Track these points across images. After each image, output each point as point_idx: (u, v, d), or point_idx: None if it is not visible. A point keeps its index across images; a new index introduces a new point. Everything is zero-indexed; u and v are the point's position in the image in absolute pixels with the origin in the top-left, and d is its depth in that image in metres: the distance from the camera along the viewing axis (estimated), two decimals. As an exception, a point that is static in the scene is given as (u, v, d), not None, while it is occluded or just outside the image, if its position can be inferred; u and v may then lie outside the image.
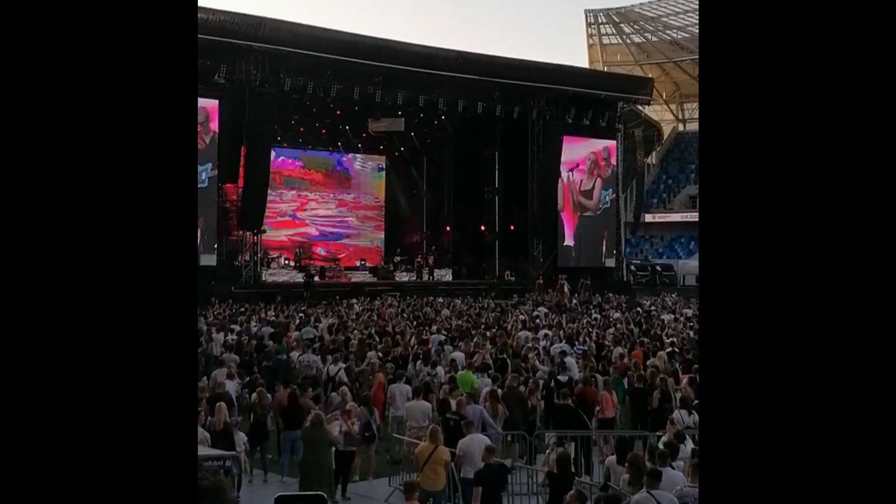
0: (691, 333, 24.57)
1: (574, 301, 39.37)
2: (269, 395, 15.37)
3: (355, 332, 23.59)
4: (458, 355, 19.22)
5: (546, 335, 23.43)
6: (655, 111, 76.49)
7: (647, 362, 18.23)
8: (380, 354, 19.50)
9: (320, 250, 53.00)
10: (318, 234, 54.08)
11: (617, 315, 31.66)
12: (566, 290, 43.12)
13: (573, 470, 11.84)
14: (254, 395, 15.26)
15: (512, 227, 51.38)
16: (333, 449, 12.93)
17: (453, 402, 14.17)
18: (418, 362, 18.68)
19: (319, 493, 3.65)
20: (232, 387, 15.87)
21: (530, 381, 16.55)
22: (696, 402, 15.04)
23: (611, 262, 52.27)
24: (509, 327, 25.59)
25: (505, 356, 19.62)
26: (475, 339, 22.02)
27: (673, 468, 10.09)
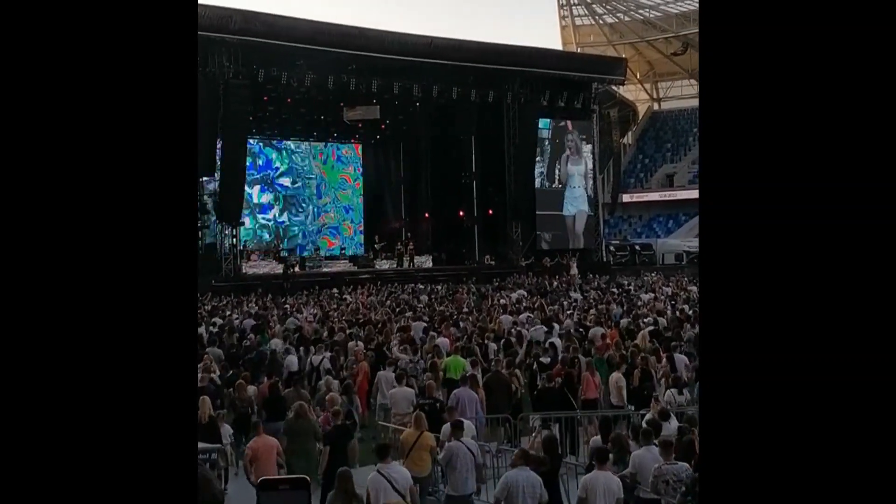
0: (670, 312, 24.72)
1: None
2: (250, 387, 15.38)
3: (337, 322, 23.60)
4: (443, 341, 19.30)
5: (529, 318, 23.56)
6: (630, 91, 76.59)
7: (630, 343, 18.35)
8: (362, 343, 19.55)
9: (298, 241, 52.92)
10: (296, 224, 54.01)
11: (595, 295, 31.87)
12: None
13: (560, 452, 11.95)
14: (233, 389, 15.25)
15: (490, 212, 51.48)
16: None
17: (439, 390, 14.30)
18: (402, 348, 18.75)
19: (303, 476, 3.70)
20: (216, 380, 15.88)
21: (513, 364, 16.65)
22: (673, 376, 15.22)
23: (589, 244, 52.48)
24: (493, 312, 25.67)
25: (488, 340, 19.68)
26: (460, 325, 22.12)
27: (656, 446, 10.19)
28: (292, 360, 18.22)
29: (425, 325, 22.59)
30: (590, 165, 52.25)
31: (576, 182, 51.37)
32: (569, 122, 51.24)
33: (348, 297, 33.00)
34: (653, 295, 30.98)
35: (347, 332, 20.87)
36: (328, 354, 17.73)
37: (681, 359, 16.65)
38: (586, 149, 52.01)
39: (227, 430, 13.69)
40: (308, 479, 3.62)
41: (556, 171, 50.97)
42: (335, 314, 26.13)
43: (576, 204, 51.39)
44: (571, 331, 20.87)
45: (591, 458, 10.59)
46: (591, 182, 52.34)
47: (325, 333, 21.31)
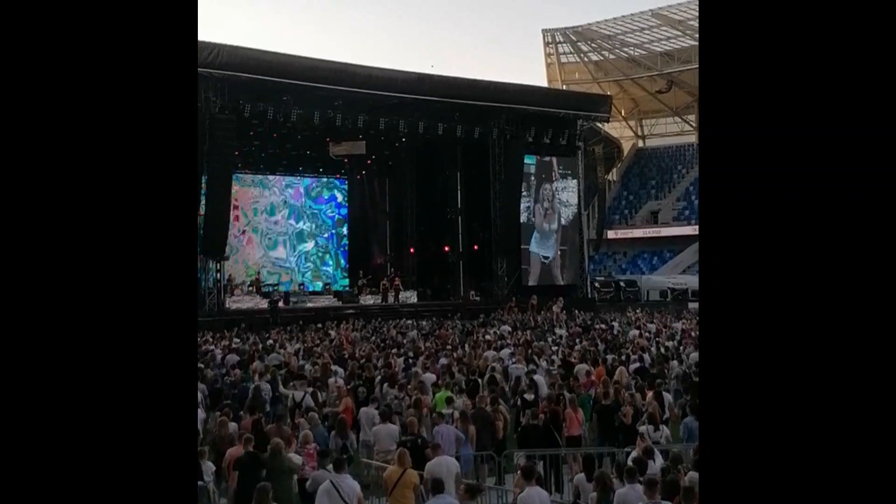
0: (654, 348, 24.69)
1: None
2: (231, 424, 15.20)
3: (321, 357, 23.43)
4: (429, 376, 19.18)
5: (511, 354, 23.46)
6: (615, 128, 77.02)
7: (614, 379, 18.27)
8: (345, 378, 19.39)
9: (282, 276, 52.75)
10: (281, 258, 53.86)
11: (579, 330, 31.85)
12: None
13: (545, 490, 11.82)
14: (214, 424, 15.07)
15: (476, 247, 51.44)
16: (295, 477, 12.76)
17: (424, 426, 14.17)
18: (385, 385, 18.62)
19: None
20: (199, 416, 15.70)
21: (498, 400, 16.54)
22: (666, 416, 15.14)
23: (575, 280, 52.49)
24: (478, 348, 25.56)
25: (476, 377, 19.57)
26: (444, 361, 22.00)
27: (641, 484, 10.10)
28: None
29: (409, 360, 22.47)
30: (572, 201, 52.30)
31: (548, 226, 51.40)
32: (553, 160, 51.34)
33: (332, 332, 32.81)
34: (638, 332, 30.92)
35: (331, 367, 20.67)
36: (310, 390, 17.56)
37: (667, 397, 16.62)
38: (566, 184, 52.01)
39: (208, 466, 13.49)
40: None
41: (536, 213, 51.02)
42: (318, 349, 25.95)
43: (548, 249, 51.40)
44: (554, 368, 20.80)
45: (523, 476, 10.85)
46: (571, 218, 52.35)
47: (309, 369, 21.14)
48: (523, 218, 49.74)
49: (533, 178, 50.49)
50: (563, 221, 51.74)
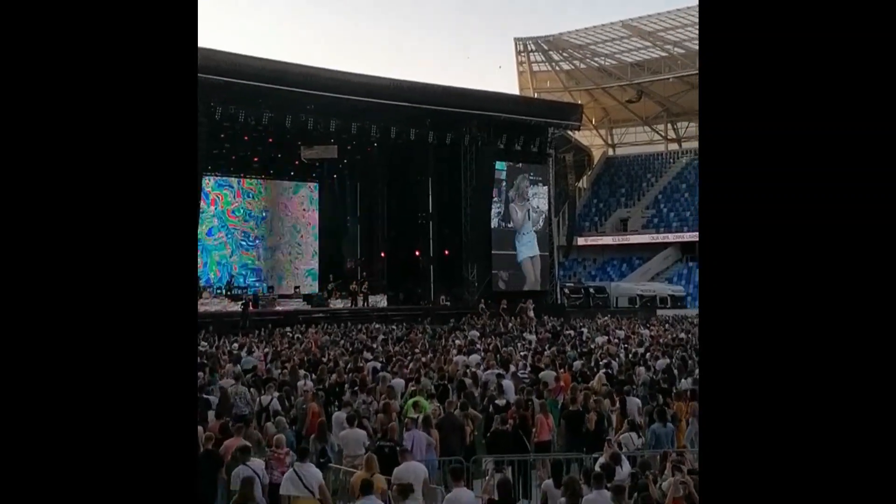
0: (622, 355, 24.69)
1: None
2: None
3: (290, 361, 23.23)
4: (399, 382, 19.05)
5: (481, 359, 23.38)
6: (585, 136, 77.41)
7: (583, 385, 18.20)
8: (313, 383, 19.21)
9: (253, 279, 52.48)
10: (251, 262, 53.59)
11: (548, 336, 31.84)
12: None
13: (513, 496, 11.73)
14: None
15: (447, 252, 51.34)
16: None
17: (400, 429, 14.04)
18: (354, 389, 18.46)
19: None
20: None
21: (468, 406, 16.42)
22: (630, 419, 15.08)
23: (545, 286, 52.57)
24: (448, 353, 25.44)
25: (445, 382, 19.44)
26: (410, 365, 21.86)
27: (608, 490, 10.03)
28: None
29: (379, 365, 22.33)
30: (543, 207, 52.38)
31: (524, 227, 51.44)
32: (525, 167, 51.45)
33: (300, 336, 32.60)
34: (606, 338, 30.93)
35: (299, 371, 20.48)
36: (276, 395, 17.37)
37: (634, 402, 16.58)
38: (536, 190, 52.08)
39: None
40: None
41: (511, 213, 51.04)
42: (287, 353, 25.74)
43: (526, 249, 51.43)
44: (524, 373, 20.73)
45: (451, 476, 11.14)
46: (541, 225, 52.42)
47: (277, 373, 20.95)
48: (493, 223, 49.74)
49: (504, 184, 50.51)
50: (534, 227, 51.85)
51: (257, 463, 12.04)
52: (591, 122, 79.88)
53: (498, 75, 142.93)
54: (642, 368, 21.40)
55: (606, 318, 43.60)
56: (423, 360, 23.21)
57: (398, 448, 13.07)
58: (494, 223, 49.88)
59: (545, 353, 25.17)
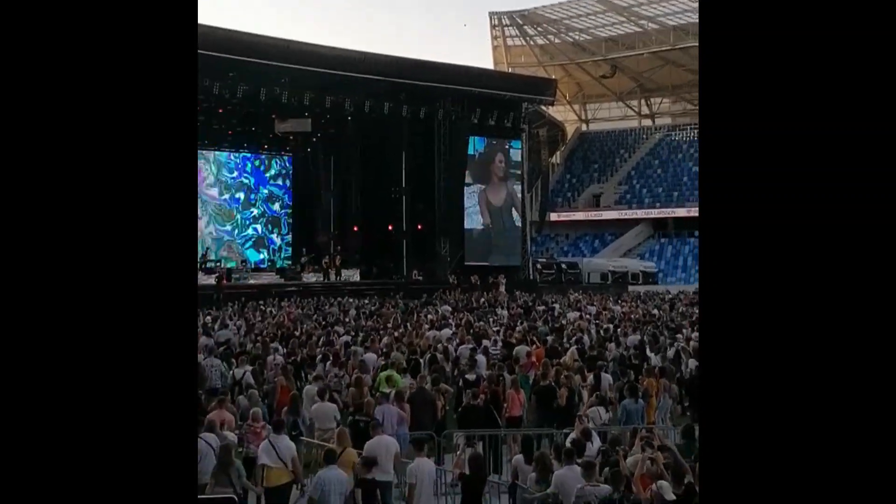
0: (594, 331, 24.76)
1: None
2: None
3: (262, 334, 23.20)
4: (371, 356, 19.05)
5: (453, 334, 23.43)
6: (559, 111, 77.30)
7: (555, 360, 18.24)
8: (283, 357, 19.18)
9: (224, 253, 52.25)
10: (226, 234, 53.37)
11: (520, 311, 31.92)
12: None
13: (485, 470, 11.78)
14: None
15: (420, 227, 51.39)
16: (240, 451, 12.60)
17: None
18: (327, 363, 18.46)
19: (230, 496, 3.62)
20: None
21: (440, 380, 16.45)
22: (599, 394, 15.14)
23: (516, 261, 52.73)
24: (420, 328, 25.46)
25: (417, 357, 19.46)
26: (385, 339, 21.86)
27: (579, 465, 10.07)
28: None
29: (350, 338, 22.33)
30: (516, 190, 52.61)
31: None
32: (504, 143, 51.50)
33: (273, 309, 32.55)
34: (578, 314, 31.02)
35: (270, 345, 20.45)
36: (249, 368, 17.34)
37: (606, 378, 16.64)
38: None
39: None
40: (235, 498, 3.53)
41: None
42: (260, 327, 25.71)
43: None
44: (496, 349, 20.79)
45: (414, 447, 11.49)
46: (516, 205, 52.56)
47: (250, 346, 20.92)
48: (466, 201, 49.79)
49: (477, 158, 50.54)
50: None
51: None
52: (565, 97, 79.74)
53: (473, 50, 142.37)
54: (613, 344, 21.49)
55: (578, 293, 43.72)
56: (396, 334, 23.24)
57: (373, 423, 13.12)
58: (467, 200, 49.89)
59: (517, 328, 25.24)
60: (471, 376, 17.08)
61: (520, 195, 53.40)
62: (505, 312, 32.35)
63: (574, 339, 22.63)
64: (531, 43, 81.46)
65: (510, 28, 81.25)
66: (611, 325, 26.44)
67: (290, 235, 56.25)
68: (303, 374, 18.25)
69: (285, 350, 20.15)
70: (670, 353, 20.40)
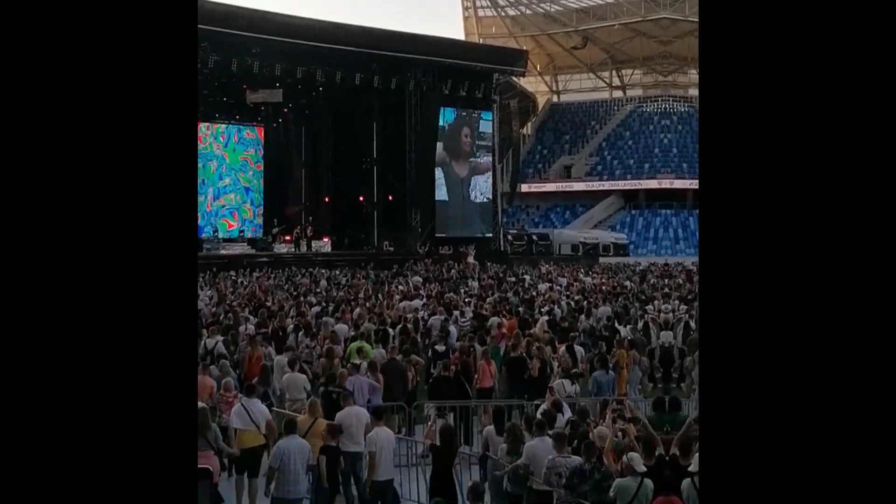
0: (564, 302, 24.77)
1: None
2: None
3: (233, 304, 23.10)
4: (342, 327, 18.99)
5: (423, 305, 23.41)
6: (530, 83, 77.13)
7: (526, 332, 18.26)
8: (255, 327, 19.10)
9: (199, 222, 51.93)
10: (197, 205, 52.99)
11: (491, 283, 31.93)
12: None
13: (455, 442, 11.78)
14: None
15: (391, 198, 51.32)
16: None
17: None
18: (299, 334, 18.40)
19: (205, 466, 3.63)
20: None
21: (410, 351, 16.42)
22: (574, 370, 15.17)
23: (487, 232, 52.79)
24: (391, 298, 25.43)
25: (385, 327, 19.42)
26: (356, 310, 21.81)
27: (550, 437, 10.08)
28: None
29: (322, 309, 22.28)
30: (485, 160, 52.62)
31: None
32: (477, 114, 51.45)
33: (244, 280, 32.43)
34: (549, 285, 31.06)
35: (241, 315, 20.36)
36: (221, 338, 17.25)
37: (578, 350, 16.68)
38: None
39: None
40: (210, 469, 3.52)
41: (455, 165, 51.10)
42: (231, 297, 25.59)
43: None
44: (466, 320, 20.79)
45: (373, 416, 11.63)
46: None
47: (222, 316, 20.81)
48: (437, 173, 49.73)
49: (447, 129, 50.46)
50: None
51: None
52: (536, 68, 79.66)
53: (444, 21, 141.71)
54: (583, 316, 21.53)
55: (549, 265, 43.82)
56: (367, 305, 23.20)
57: (341, 393, 13.10)
58: (438, 172, 49.86)
59: (488, 299, 25.25)
60: (441, 347, 17.08)
61: (490, 166, 53.28)
62: (476, 284, 32.34)
63: (545, 310, 22.65)
64: (502, 14, 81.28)
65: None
66: (581, 297, 26.49)
67: (262, 206, 55.94)
68: (273, 345, 18.19)
69: (257, 320, 20.07)
70: (640, 324, 20.46)
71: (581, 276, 36.26)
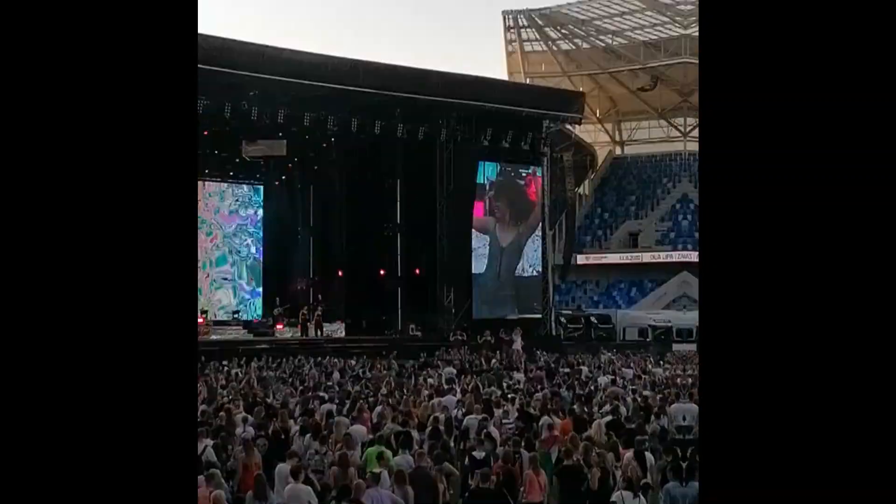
0: (630, 399, 24.68)
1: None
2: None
3: (226, 401, 23.16)
4: (359, 428, 19.00)
5: (458, 402, 23.37)
6: (588, 132, 77.26)
7: (583, 434, 18.22)
8: (254, 429, 19.15)
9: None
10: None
11: (541, 375, 31.84)
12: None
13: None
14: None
15: (417, 272, 51.32)
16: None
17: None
18: (306, 436, 18.44)
19: None
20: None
21: (442, 459, 16.41)
22: (644, 481, 15.12)
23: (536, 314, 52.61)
24: (418, 394, 25.41)
25: (409, 428, 19.42)
26: (377, 409, 21.82)
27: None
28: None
29: (334, 407, 22.30)
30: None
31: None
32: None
33: (239, 371, 32.52)
34: (611, 377, 30.97)
35: (236, 415, 20.42)
36: (211, 442, 17.32)
37: (648, 457, 16.59)
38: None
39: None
40: None
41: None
42: (223, 393, 25.68)
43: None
44: (510, 420, 20.73)
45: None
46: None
47: (211, 417, 20.89)
48: (476, 242, 49.74)
49: (488, 188, 50.50)
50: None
51: None
52: (595, 114, 79.95)
53: (483, 57, 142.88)
54: (653, 416, 21.43)
55: (611, 353, 43.66)
56: (390, 402, 23.20)
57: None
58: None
59: (536, 395, 25.19)
60: (480, 454, 17.06)
61: (540, 234, 53.25)
62: (522, 376, 32.28)
63: (606, 408, 22.58)
64: (554, 48, 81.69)
65: (528, 30, 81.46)
66: (651, 392, 26.37)
67: (262, 281, 56.13)
68: (263, 450, 18.22)
69: (256, 419, 20.13)
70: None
71: (650, 366, 36.11)
